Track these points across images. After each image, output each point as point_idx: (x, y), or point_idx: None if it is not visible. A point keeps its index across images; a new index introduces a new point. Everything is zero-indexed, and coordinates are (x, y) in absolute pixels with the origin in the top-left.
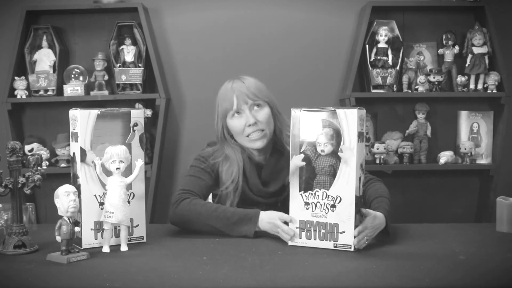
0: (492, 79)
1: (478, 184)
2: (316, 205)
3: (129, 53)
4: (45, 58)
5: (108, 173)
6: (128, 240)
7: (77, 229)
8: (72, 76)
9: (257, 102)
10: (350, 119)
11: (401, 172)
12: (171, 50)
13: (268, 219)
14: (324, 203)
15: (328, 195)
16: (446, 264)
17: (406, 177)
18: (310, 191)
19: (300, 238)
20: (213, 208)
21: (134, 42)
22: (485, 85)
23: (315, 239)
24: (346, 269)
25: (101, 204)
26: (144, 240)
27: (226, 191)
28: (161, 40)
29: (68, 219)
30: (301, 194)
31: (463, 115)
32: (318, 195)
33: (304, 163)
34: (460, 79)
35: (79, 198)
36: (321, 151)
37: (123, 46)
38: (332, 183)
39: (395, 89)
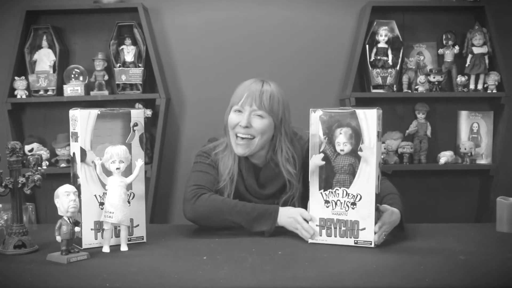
0: (492, 79)
1: (478, 184)
2: (336, 203)
3: (129, 53)
4: (45, 58)
5: (108, 173)
6: (128, 240)
7: (77, 229)
8: (72, 76)
9: (258, 112)
10: (370, 119)
11: (401, 172)
12: (171, 50)
13: (288, 214)
14: (345, 201)
15: (348, 193)
16: (446, 264)
17: (406, 177)
18: (330, 190)
19: (321, 235)
20: (233, 203)
21: (134, 42)
22: (485, 85)
23: (335, 236)
24: (346, 269)
25: (101, 204)
26: (144, 240)
27: (223, 183)
28: (161, 40)
29: (68, 219)
30: (321, 193)
31: (463, 115)
32: (338, 193)
33: (323, 162)
34: (460, 79)
35: (79, 198)
36: (341, 150)
37: (123, 46)
38: (352, 181)
39: (395, 89)
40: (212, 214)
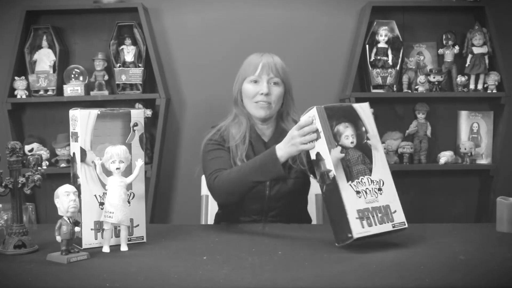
0: (492, 79)
1: (478, 184)
2: (366, 192)
3: (129, 53)
4: (45, 58)
5: (108, 173)
6: (128, 240)
7: (77, 229)
8: (72, 76)
9: (275, 80)
10: (366, 110)
11: (401, 172)
12: (171, 50)
13: (285, 141)
14: (372, 188)
15: (373, 180)
16: (446, 264)
17: (406, 177)
18: (357, 180)
19: (363, 227)
20: (239, 166)
21: (134, 42)
22: (485, 85)
23: (375, 225)
24: (346, 269)
25: (101, 204)
26: (144, 240)
27: (235, 143)
28: (161, 40)
29: (68, 219)
30: (350, 184)
31: (463, 115)
32: (364, 182)
33: (343, 154)
34: (460, 79)
35: (79, 198)
36: (351, 142)
37: (123, 46)
38: (371, 169)
39: (395, 89)
40: (232, 184)
